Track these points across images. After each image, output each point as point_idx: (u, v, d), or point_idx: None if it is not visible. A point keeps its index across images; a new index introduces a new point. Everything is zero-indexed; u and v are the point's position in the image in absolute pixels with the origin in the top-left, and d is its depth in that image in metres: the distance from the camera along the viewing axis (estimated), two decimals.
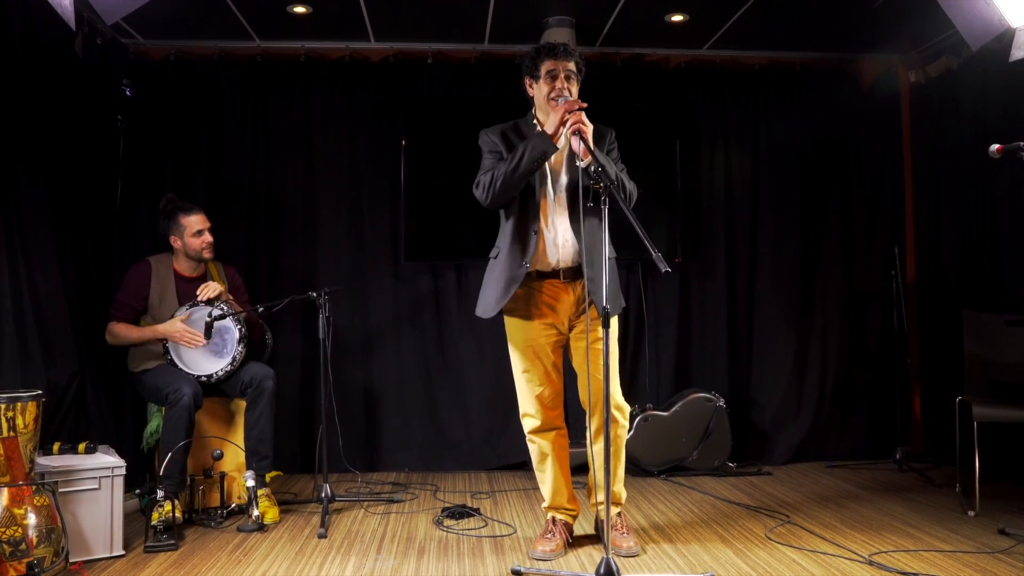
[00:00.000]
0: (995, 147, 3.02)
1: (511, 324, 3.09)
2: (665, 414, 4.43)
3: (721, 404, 4.45)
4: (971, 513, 3.56)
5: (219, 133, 4.60)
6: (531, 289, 3.02)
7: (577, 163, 2.83)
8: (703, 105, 4.89)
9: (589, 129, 2.78)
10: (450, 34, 4.64)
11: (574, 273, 2.97)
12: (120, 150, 4.41)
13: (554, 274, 2.99)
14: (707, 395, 4.47)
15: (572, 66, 2.97)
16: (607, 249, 2.72)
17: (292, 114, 4.67)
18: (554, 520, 3.14)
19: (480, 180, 3.00)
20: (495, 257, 3.08)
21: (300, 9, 4.23)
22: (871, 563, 2.91)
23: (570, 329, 3.07)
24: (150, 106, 4.52)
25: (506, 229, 3.05)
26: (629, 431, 4.36)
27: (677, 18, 4.39)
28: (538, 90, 3.02)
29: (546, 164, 2.95)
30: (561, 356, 3.13)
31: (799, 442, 4.78)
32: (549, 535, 3.09)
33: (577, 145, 2.74)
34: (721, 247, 4.87)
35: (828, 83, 4.93)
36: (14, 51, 3.42)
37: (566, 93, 2.92)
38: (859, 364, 4.89)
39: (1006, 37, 3.66)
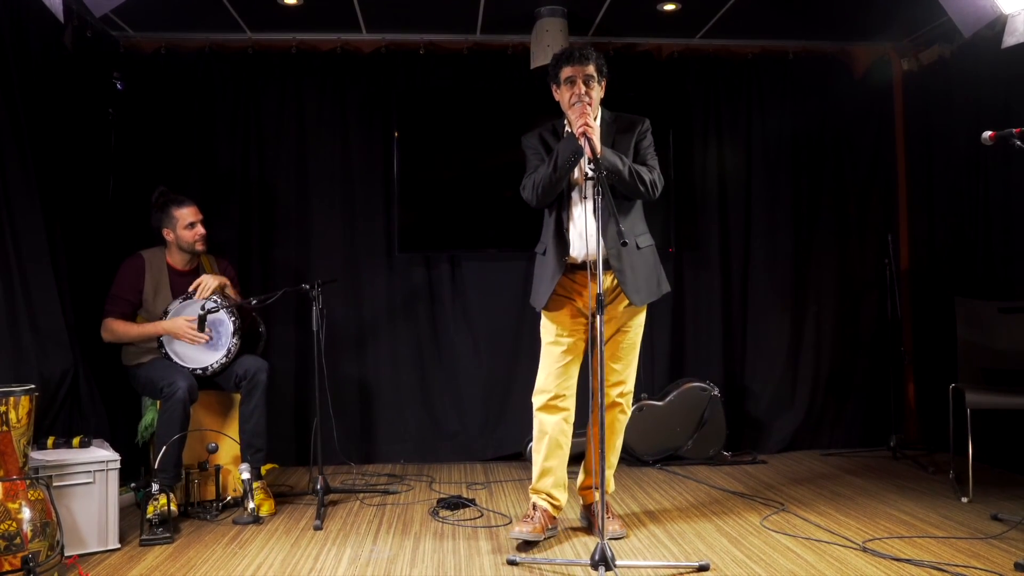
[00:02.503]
0: (988, 134, 3.02)
1: (545, 310, 3.20)
2: (660, 404, 4.44)
3: (716, 393, 4.46)
4: (964, 499, 3.57)
5: (211, 126, 4.58)
6: (567, 279, 3.12)
7: (588, 166, 2.91)
8: (696, 94, 4.88)
9: (595, 131, 2.91)
10: (442, 25, 4.62)
11: (603, 265, 3.01)
12: (111, 143, 4.40)
13: (584, 266, 3.08)
14: (702, 384, 4.48)
15: (591, 69, 3.06)
16: (640, 240, 2.98)
17: (284, 106, 4.65)
18: (535, 506, 3.14)
19: (525, 184, 3.16)
20: (542, 253, 3.21)
21: (291, 0, 4.21)
22: (865, 550, 2.92)
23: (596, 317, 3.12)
24: (141, 99, 4.50)
25: (548, 225, 3.19)
26: None
27: (669, 7, 4.38)
28: (561, 96, 3.14)
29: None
30: (585, 343, 3.19)
31: (793, 430, 4.80)
32: (527, 519, 3.10)
33: (586, 146, 2.85)
34: (715, 236, 4.87)
35: (821, 71, 4.92)
36: (2, 44, 3.39)
37: (585, 98, 3.00)
38: (853, 352, 4.91)
39: (998, 24, 3.67)
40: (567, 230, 3.09)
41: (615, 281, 3.05)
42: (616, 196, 2.86)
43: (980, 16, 3.62)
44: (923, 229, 4.86)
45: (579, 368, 3.20)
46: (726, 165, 4.90)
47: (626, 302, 3.08)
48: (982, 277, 4.32)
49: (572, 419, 3.19)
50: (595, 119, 3.01)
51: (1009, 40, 3.53)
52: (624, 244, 2.75)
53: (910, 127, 5.01)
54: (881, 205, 4.97)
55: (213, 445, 3.56)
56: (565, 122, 3.15)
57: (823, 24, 4.66)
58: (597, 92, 3.09)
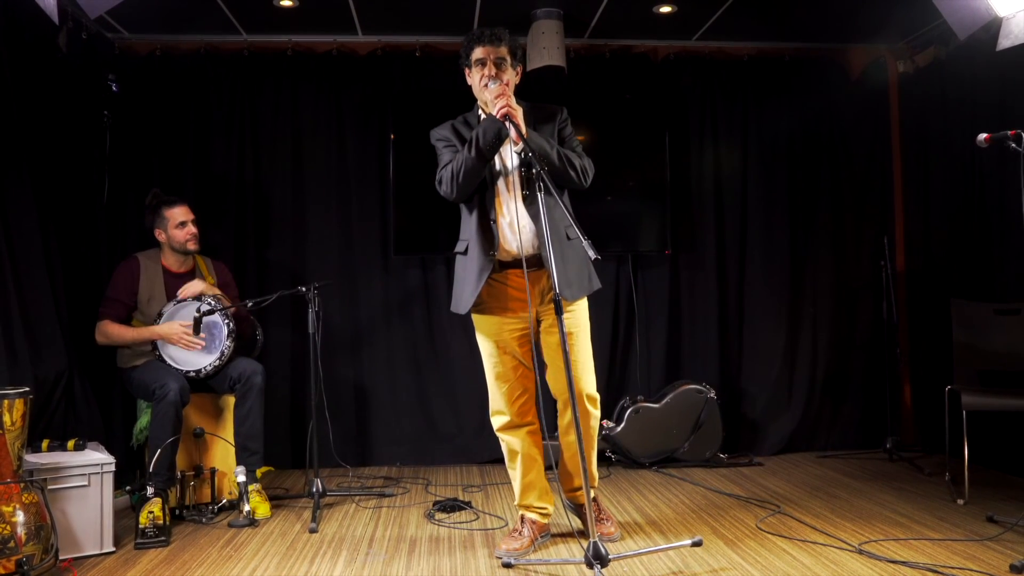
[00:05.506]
0: (983, 136, 3.03)
1: (478, 320, 3.05)
2: (656, 406, 4.44)
3: (712, 395, 4.46)
4: (960, 501, 3.57)
5: (206, 128, 4.58)
6: (496, 281, 2.96)
7: (513, 149, 2.82)
8: (692, 96, 4.88)
9: (518, 112, 2.77)
10: (437, 27, 4.61)
11: (537, 261, 2.89)
12: (107, 146, 4.39)
13: (517, 263, 2.91)
14: (698, 386, 4.48)
15: (503, 51, 2.89)
16: (569, 231, 2.76)
17: (280, 108, 4.65)
18: (523, 519, 3.09)
19: (441, 175, 2.95)
20: (463, 252, 3.02)
21: (286, 2, 4.20)
22: (861, 552, 2.92)
23: (539, 322, 3.00)
24: (136, 101, 4.48)
25: (470, 222, 2.99)
26: (621, 423, 4.39)
27: (665, 9, 4.38)
28: (472, 79, 2.97)
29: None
30: (530, 350, 3.06)
31: (790, 432, 4.80)
32: (516, 534, 3.04)
33: (512, 130, 2.72)
34: (711, 238, 4.87)
35: (817, 73, 4.93)
36: None
37: (497, 79, 2.86)
38: (849, 354, 4.91)
39: (993, 26, 3.67)
40: (494, 222, 2.89)
41: (550, 279, 2.71)
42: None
43: (975, 19, 3.62)
44: (919, 231, 4.87)
45: (532, 373, 3.08)
46: (722, 167, 4.90)
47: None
48: (978, 279, 4.33)
49: (538, 427, 3.09)
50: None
51: (1004, 43, 3.54)
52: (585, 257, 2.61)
53: (906, 129, 5.01)
54: (877, 207, 4.98)
55: (199, 429, 3.60)
56: (479, 111, 3.01)
57: (819, 26, 4.66)
58: (511, 75, 2.91)
